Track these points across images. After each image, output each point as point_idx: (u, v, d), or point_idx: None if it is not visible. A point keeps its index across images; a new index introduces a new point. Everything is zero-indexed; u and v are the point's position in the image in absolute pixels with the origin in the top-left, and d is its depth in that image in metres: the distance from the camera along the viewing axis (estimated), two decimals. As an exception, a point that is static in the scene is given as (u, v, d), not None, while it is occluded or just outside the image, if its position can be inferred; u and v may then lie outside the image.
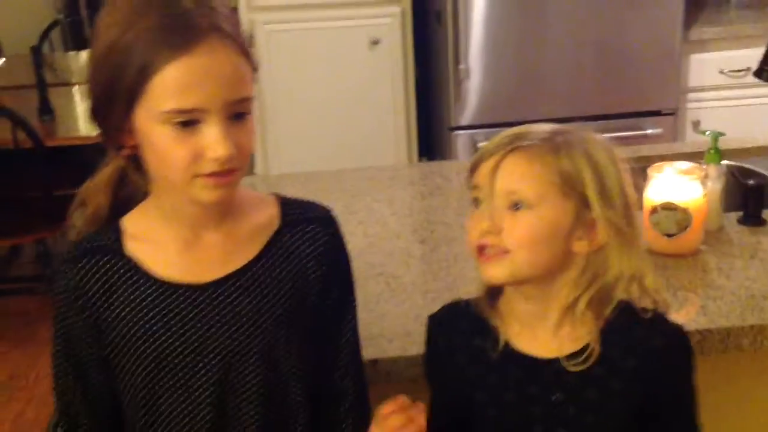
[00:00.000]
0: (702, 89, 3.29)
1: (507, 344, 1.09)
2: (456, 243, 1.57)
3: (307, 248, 1.10)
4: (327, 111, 3.34)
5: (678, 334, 1.11)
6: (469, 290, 1.14)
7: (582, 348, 1.06)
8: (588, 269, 1.05)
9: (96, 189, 1.09)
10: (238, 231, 1.07)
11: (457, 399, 1.12)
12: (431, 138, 3.49)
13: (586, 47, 3.15)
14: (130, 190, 1.09)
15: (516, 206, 1.03)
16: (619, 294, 1.06)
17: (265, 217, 1.09)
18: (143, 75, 0.94)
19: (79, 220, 1.10)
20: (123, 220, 1.07)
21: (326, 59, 3.30)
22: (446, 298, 1.30)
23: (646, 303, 1.08)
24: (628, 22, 3.13)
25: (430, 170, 2.07)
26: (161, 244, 1.05)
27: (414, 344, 1.24)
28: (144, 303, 1.04)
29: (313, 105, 3.32)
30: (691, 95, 3.31)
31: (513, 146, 1.04)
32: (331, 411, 1.15)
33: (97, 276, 1.04)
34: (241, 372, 1.07)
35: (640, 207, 1.46)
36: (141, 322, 1.04)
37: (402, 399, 1.01)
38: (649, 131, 3.17)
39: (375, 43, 3.29)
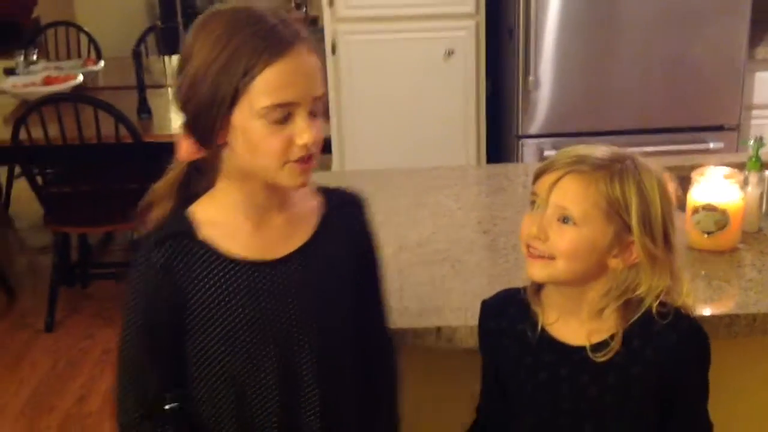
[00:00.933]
0: (765, 106, 3.38)
1: (544, 331, 1.26)
2: (515, 235, 1.71)
3: (353, 226, 1.29)
4: (402, 116, 3.52)
5: (695, 331, 1.24)
6: (524, 276, 1.30)
7: (606, 339, 1.22)
8: (619, 283, 1.21)
9: (163, 191, 1.23)
10: (295, 215, 1.24)
11: (503, 374, 1.31)
12: (499, 145, 3.65)
13: (653, 62, 3.26)
14: (192, 191, 1.23)
15: (564, 220, 1.19)
16: (647, 304, 1.21)
17: (314, 203, 1.27)
18: (246, 79, 1.11)
19: (150, 222, 1.23)
20: (192, 209, 1.21)
21: (403, 68, 3.47)
22: (505, 281, 1.50)
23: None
24: (695, 39, 3.24)
25: (495, 172, 2.25)
26: (232, 227, 1.20)
27: (473, 317, 1.41)
28: (221, 279, 1.18)
29: (389, 110, 3.51)
30: (755, 112, 3.41)
31: (573, 168, 1.18)
32: (376, 365, 1.34)
33: (180, 256, 1.18)
34: (304, 337, 1.23)
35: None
36: (220, 296, 1.18)
37: None
38: (711, 145, 3.27)
39: (450, 53, 3.47)
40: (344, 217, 1.29)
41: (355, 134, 3.55)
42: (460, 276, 1.62)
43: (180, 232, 1.19)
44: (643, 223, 1.18)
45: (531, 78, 3.23)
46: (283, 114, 1.12)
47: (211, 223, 1.20)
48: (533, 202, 1.24)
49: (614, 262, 1.20)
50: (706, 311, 1.46)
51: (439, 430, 1.55)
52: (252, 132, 1.13)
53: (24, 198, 4.96)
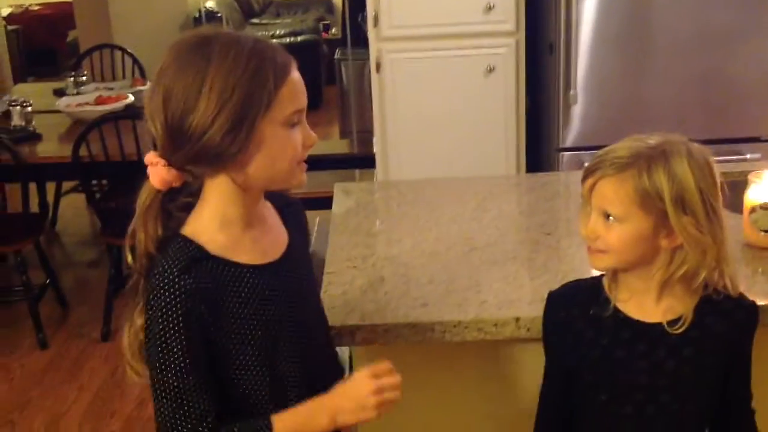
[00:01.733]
0: (802, 118, 3.47)
1: (618, 311, 1.37)
2: (578, 236, 1.84)
3: (299, 221, 1.42)
4: (444, 132, 3.62)
5: (754, 309, 1.40)
6: (588, 270, 1.42)
7: (679, 317, 1.34)
8: (675, 257, 1.32)
9: (142, 218, 1.25)
10: (270, 219, 1.34)
11: (573, 361, 1.40)
12: (539, 157, 3.75)
13: (690, 76, 3.34)
14: (173, 210, 1.26)
15: (608, 217, 1.31)
16: (703, 274, 1.31)
17: (271, 208, 1.36)
18: (271, 93, 1.19)
19: (139, 245, 1.25)
20: (189, 232, 1.25)
21: (445, 85, 3.58)
22: (572, 276, 1.59)
23: (722, 287, 1.35)
24: (730, 54, 3.32)
25: (549, 179, 2.36)
26: (233, 240, 1.26)
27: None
28: (245, 285, 1.25)
29: (431, 126, 3.61)
30: (790, 123, 3.50)
31: (605, 173, 1.30)
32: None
33: (206, 276, 1.22)
34: (317, 320, 1.39)
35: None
36: (249, 304, 1.25)
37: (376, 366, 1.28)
38: (748, 156, 3.36)
39: (490, 70, 3.58)
40: (293, 215, 1.40)
41: (399, 149, 3.66)
42: (531, 272, 1.73)
43: (195, 257, 1.22)
44: (678, 206, 1.27)
45: (572, 92, 3.34)
46: (299, 118, 1.24)
47: (215, 240, 1.25)
48: (584, 202, 1.37)
49: (664, 242, 1.32)
50: (766, 302, 1.55)
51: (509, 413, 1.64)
52: (278, 139, 1.22)
53: (70, 214, 5.12)
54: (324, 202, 2.40)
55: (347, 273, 1.76)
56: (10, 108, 3.93)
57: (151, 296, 1.21)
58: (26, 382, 3.38)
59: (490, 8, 3.52)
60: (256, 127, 1.19)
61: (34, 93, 4.86)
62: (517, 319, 1.55)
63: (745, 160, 3.32)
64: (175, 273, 1.20)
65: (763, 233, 1.74)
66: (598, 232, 1.32)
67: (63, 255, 4.82)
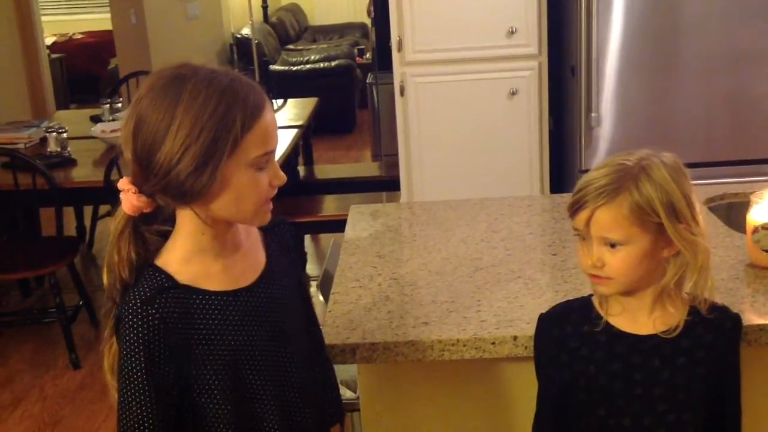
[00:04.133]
0: (827, 138, 3.44)
1: (611, 327, 1.40)
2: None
3: (287, 241, 1.44)
4: (468, 154, 3.66)
5: (739, 319, 1.45)
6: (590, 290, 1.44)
7: (670, 328, 1.37)
8: (674, 264, 1.36)
9: (115, 244, 1.26)
10: (248, 245, 1.36)
11: (567, 378, 1.42)
12: (562, 178, 3.77)
13: (714, 98, 3.35)
14: (145, 235, 1.27)
15: (611, 245, 1.34)
16: (695, 275, 1.35)
17: (254, 232, 1.38)
18: (237, 137, 1.20)
19: (112, 267, 1.27)
20: (158, 263, 1.26)
21: (468, 108, 3.63)
22: (574, 295, 1.61)
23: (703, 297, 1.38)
24: (756, 75, 3.33)
25: (561, 201, 2.37)
26: (204, 270, 1.28)
27: (547, 327, 1.53)
28: (214, 315, 1.26)
29: (456, 147, 3.66)
30: (817, 144, 3.47)
31: (599, 204, 1.32)
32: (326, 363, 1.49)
33: (173, 307, 1.23)
34: (296, 344, 1.37)
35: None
36: (218, 331, 1.26)
37: None
38: (775, 176, 3.35)
39: (514, 93, 3.62)
40: (277, 236, 1.42)
41: (423, 171, 3.70)
42: (532, 293, 1.75)
43: (162, 287, 1.24)
44: (670, 214, 1.31)
45: (594, 114, 3.36)
46: (267, 160, 1.25)
47: (184, 270, 1.27)
48: (579, 236, 1.39)
49: (666, 252, 1.35)
50: None
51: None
52: (243, 182, 1.23)
53: (106, 239, 5.23)
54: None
55: (353, 292, 1.80)
56: (47, 134, 4.05)
57: (120, 326, 1.24)
58: (59, 401, 3.46)
59: (512, 32, 3.56)
60: (221, 169, 1.21)
61: (73, 119, 5.00)
62: (515, 338, 1.58)
63: (771, 180, 3.31)
64: (139, 304, 1.22)
65: (765, 253, 1.75)
66: (604, 260, 1.35)
67: (99, 277, 4.90)
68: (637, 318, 1.40)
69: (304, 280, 1.52)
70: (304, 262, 1.50)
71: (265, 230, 1.41)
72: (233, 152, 1.21)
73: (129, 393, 1.23)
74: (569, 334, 1.43)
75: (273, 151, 1.27)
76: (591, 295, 1.45)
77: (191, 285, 1.27)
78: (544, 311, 1.49)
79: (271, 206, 1.30)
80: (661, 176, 1.32)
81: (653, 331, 1.38)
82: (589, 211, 1.33)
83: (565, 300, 1.51)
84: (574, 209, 1.36)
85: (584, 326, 1.42)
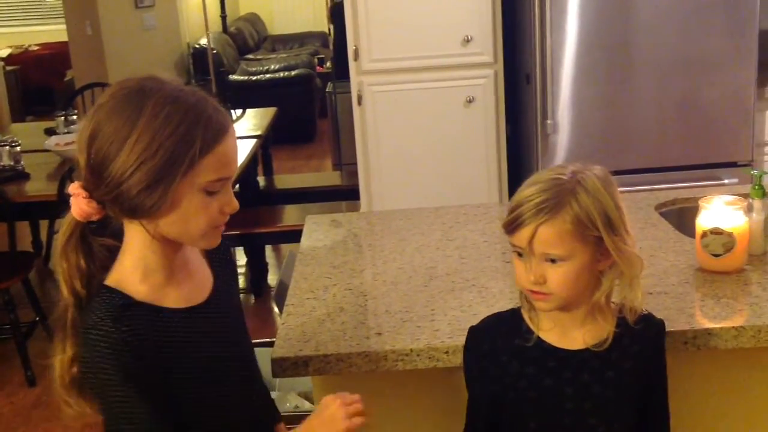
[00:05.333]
0: (776, 143, 3.52)
1: (542, 341, 1.40)
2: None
3: (225, 257, 1.43)
4: (426, 162, 3.67)
5: (662, 325, 1.46)
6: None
7: (600, 341, 1.37)
8: (609, 276, 1.36)
9: (64, 248, 1.26)
10: (195, 263, 1.36)
11: (498, 392, 1.41)
12: (520, 185, 3.78)
13: (667, 104, 3.41)
14: (93, 244, 1.26)
15: (552, 261, 1.33)
16: (621, 290, 1.37)
17: (193, 249, 1.36)
18: (194, 160, 1.19)
19: (59, 277, 1.27)
20: (111, 284, 1.24)
21: (426, 116, 3.65)
22: (527, 303, 1.61)
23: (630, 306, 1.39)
24: (706, 82, 3.38)
25: (517, 208, 2.38)
26: (158, 287, 1.27)
27: (500, 336, 1.53)
28: (175, 331, 1.26)
29: (415, 156, 3.66)
30: (768, 148, 3.55)
31: (541, 221, 1.30)
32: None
33: (139, 323, 1.23)
34: (249, 355, 1.40)
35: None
36: (182, 346, 1.26)
37: (344, 394, 1.31)
38: (726, 181, 3.39)
39: (470, 101, 3.64)
40: (218, 251, 1.40)
41: (382, 180, 3.71)
42: (486, 301, 1.75)
43: (124, 304, 1.22)
44: (607, 226, 1.32)
45: (549, 122, 3.39)
46: (221, 186, 1.24)
47: (138, 290, 1.25)
48: (518, 252, 1.36)
49: (602, 265, 1.36)
50: (716, 324, 1.58)
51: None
52: (194, 204, 1.22)
53: (63, 252, 5.16)
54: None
55: (307, 304, 1.79)
56: (-1, 148, 3.99)
57: (87, 350, 1.21)
58: (14, 419, 3.40)
59: (468, 40, 3.58)
60: (173, 189, 1.19)
61: (28, 132, 4.94)
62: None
63: (723, 185, 3.36)
64: (109, 324, 1.20)
65: (714, 257, 1.77)
66: (546, 276, 1.34)
67: (56, 292, 4.81)
68: (568, 332, 1.39)
69: (237, 291, 1.53)
70: (236, 272, 1.51)
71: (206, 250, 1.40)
72: (187, 174, 1.19)
73: (125, 409, 1.21)
74: (499, 348, 1.42)
75: (229, 178, 1.24)
76: (520, 307, 1.44)
77: (150, 303, 1.25)
78: (473, 324, 1.48)
79: (221, 230, 1.28)
80: (595, 188, 1.32)
81: (583, 345, 1.38)
82: (532, 228, 1.31)
83: (494, 313, 1.50)
84: (513, 227, 1.34)
85: (515, 340, 1.41)
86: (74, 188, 1.24)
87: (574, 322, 1.39)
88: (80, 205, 1.23)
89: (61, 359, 1.27)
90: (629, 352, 1.39)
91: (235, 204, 1.26)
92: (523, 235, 1.33)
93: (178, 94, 1.21)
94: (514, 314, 1.44)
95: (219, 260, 1.42)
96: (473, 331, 1.47)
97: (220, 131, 1.22)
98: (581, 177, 1.34)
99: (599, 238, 1.32)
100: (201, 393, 1.29)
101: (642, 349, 1.40)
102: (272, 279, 4.44)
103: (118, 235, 1.28)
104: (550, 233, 1.31)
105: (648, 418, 1.44)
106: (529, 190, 1.35)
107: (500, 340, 1.42)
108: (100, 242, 1.27)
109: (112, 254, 1.28)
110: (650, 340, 1.42)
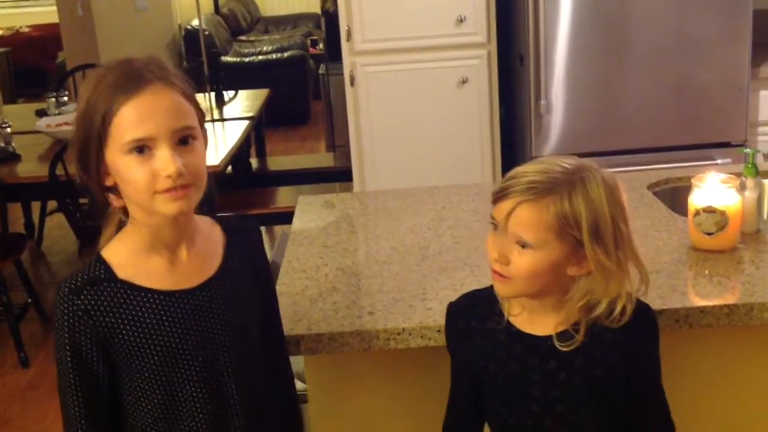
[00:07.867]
0: (769, 123, 3.51)
1: (511, 325, 1.37)
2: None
3: (250, 249, 1.40)
4: (419, 143, 3.67)
5: (645, 311, 1.36)
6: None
7: (569, 330, 1.32)
8: (579, 287, 1.31)
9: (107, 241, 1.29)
10: (203, 247, 1.33)
11: (474, 370, 1.40)
12: (513, 166, 3.75)
13: (661, 85, 3.40)
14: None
15: (523, 245, 1.28)
16: (604, 304, 1.29)
17: (216, 234, 1.36)
18: (106, 119, 1.18)
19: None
20: (104, 254, 1.26)
21: (419, 97, 3.64)
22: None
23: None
24: (701, 62, 3.38)
25: (510, 188, 2.37)
26: (146, 267, 1.26)
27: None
28: (145, 312, 1.25)
29: (408, 136, 3.66)
30: (761, 128, 3.54)
31: (525, 198, 1.25)
32: (281, 372, 1.49)
33: (101, 300, 1.23)
34: (225, 357, 1.31)
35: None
36: (148, 330, 1.25)
37: None
38: (719, 161, 3.39)
39: (464, 82, 3.63)
40: (242, 243, 1.38)
41: (375, 161, 3.70)
42: (478, 280, 1.75)
43: (97, 278, 1.24)
44: (593, 236, 1.25)
45: (542, 102, 3.38)
46: (141, 146, 1.19)
47: (126, 264, 1.26)
48: (494, 225, 1.32)
49: (572, 270, 1.30)
50: (709, 303, 1.58)
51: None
52: (122, 167, 1.20)
53: (55, 234, 5.15)
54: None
55: (299, 283, 1.79)
56: (-10, 129, 3.96)
57: (56, 306, 1.25)
58: (7, 400, 3.40)
59: (461, 20, 3.56)
60: (102, 160, 1.21)
61: (19, 114, 4.91)
62: (460, 325, 1.57)
63: (716, 164, 3.35)
64: (66, 292, 1.23)
65: (706, 236, 1.76)
66: (510, 257, 1.29)
67: (48, 274, 4.84)
68: (536, 319, 1.35)
69: (271, 293, 1.48)
70: (265, 269, 1.46)
71: (229, 234, 1.38)
72: (104, 140, 1.20)
73: (61, 379, 1.25)
74: (474, 329, 1.40)
75: (151, 137, 1.19)
76: None
77: (129, 281, 1.26)
78: (452, 300, 1.46)
79: (177, 195, 1.21)
80: (597, 194, 1.26)
81: (551, 331, 1.34)
82: (513, 203, 1.27)
83: (473, 290, 1.47)
84: (499, 196, 1.30)
85: (488, 322, 1.38)
86: None
87: (544, 308, 1.35)
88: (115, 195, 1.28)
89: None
90: (600, 341, 1.33)
91: (170, 166, 1.19)
92: (503, 208, 1.29)
93: (115, 63, 1.23)
94: (489, 293, 1.39)
95: (243, 252, 1.38)
96: (452, 308, 1.46)
97: (132, 89, 1.19)
98: (587, 176, 1.28)
99: (580, 242, 1.27)
100: (158, 380, 1.27)
101: (616, 337, 1.33)
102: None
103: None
104: (528, 215, 1.26)
105: (639, 408, 1.39)
106: (529, 167, 1.31)
107: (474, 321, 1.40)
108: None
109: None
110: (625, 328, 1.32)
